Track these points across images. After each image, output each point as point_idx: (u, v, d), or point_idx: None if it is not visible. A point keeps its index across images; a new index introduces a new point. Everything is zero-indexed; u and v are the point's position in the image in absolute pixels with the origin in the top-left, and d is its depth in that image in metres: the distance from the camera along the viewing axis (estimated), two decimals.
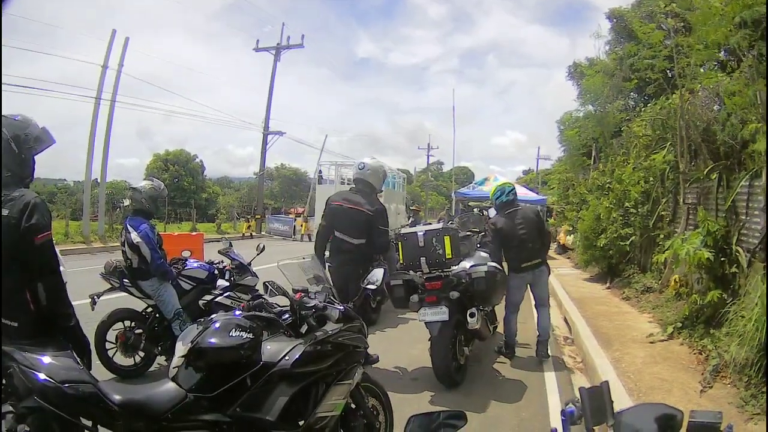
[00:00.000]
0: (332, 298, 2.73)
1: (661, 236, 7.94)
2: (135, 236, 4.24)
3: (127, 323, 4.43)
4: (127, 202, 4.83)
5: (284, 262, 2.83)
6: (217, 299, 4.68)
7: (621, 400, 3.93)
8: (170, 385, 2.04)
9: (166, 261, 4.43)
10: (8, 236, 2.11)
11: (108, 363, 4.20)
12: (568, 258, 15.52)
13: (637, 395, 4.08)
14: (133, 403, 1.91)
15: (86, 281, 4.24)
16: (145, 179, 4.74)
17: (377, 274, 3.34)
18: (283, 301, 2.59)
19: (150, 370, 4.44)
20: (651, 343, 5.31)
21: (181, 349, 2.13)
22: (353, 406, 2.66)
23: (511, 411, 3.99)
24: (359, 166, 4.89)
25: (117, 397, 1.86)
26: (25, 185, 2.33)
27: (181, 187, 38.09)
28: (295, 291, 2.61)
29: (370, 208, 4.64)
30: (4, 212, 2.12)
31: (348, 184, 12.24)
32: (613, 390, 4.09)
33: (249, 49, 26.80)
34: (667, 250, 6.50)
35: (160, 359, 4.51)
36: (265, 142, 26.89)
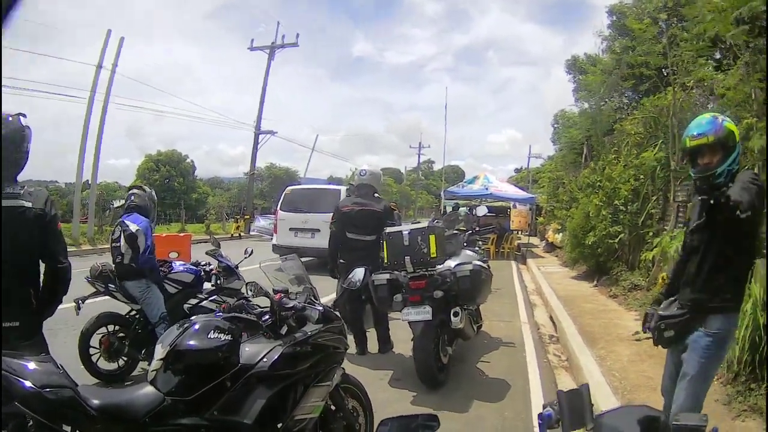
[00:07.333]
0: (313, 298, 2.68)
1: (650, 234, 7.89)
2: (134, 227, 4.15)
3: (111, 328, 4.35)
4: (117, 204, 4.84)
5: (266, 263, 2.82)
6: (201, 303, 4.59)
7: (606, 398, 3.89)
8: (148, 389, 2.01)
9: (154, 256, 4.36)
10: (34, 226, 2.33)
11: (91, 368, 4.16)
12: (556, 256, 15.51)
13: (623, 393, 4.02)
14: (111, 407, 1.89)
15: (73, 284, 4.22)
16: (143, 184, 4.72)
17: (358, 273, 3.27)
18: (264, 302, 2.57)
19: (134, 374, 4.37)
20: (637, 341, 5.21)
21: (159, 351, 2.11)
22: (333, 407, 2.62)
23: (494, 411, 3.90)
24: (361, 173, 5.36)
25: (95, 402, 1.84)
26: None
27: (172, 188, 38.18)
28: (276, 292, 2.57)
29: (379, 207, 5.12)
30: (27, 204, 2.30)
31: None
32: (599, 388, 4.05)
33: (243, 48, 26.52)
34: (655, 247, 6.43)
35: (144, 364, 4.38)
36: (256, 142, 26.59)
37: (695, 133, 2.46)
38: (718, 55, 8.59)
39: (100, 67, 17.14)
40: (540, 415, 1.18)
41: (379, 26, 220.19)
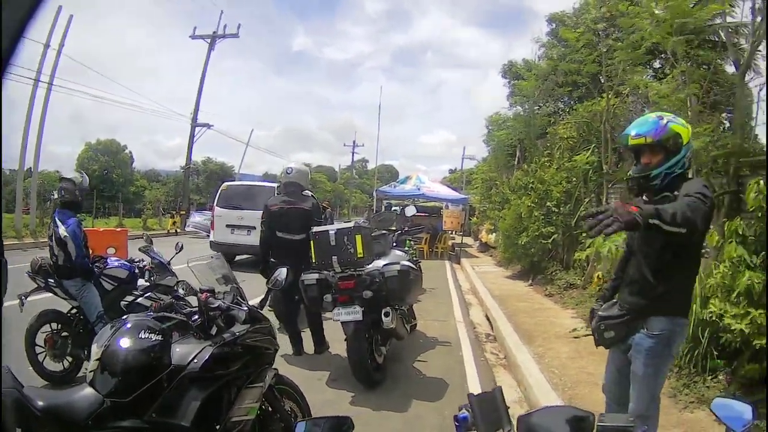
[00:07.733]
0: (239, 298, 2.66)
1: (584, 234, 8.10)
2: (63, 230, 4.06)
3: (55, 326, 4.23)
4: (56, 195, 4.48)
5: (194, 262, 2.79)
6: (138, 300, 4.51)
7: (546, 395, 3.90)
8: (88, 391, 1.98)
9: (89, 259, 4.29)
10: None
11: (40, 369, 4.04)
12: (491, 256, 15.83)
13: (563, 390, 4.02)
14: (55, 409, 1.86)
15: (16, 280, 3.92)
16: (75, 171, 4.57)
17: (282, 273, 3.23)
18: (195, 302, 2.51)
19: (80, 374, 4.12)
20: (575, 338, 5.30)
21: (95, 351, 2.08)
22: (270, 409, 2.59)
23: (433, 409, 3.85)
24: (287, 171, 5.25)
25: (40, 404, 1.81)
26: None
27: (110, 179, 37.25)
28: (202, 291, 2.51)
29: (307, 205, 5.06)
30: None
31: None
32: (538, 385, 4.01)
33: (187, 36, 25.32)
34: (588, 247, 6.58)
35: (88, 364, 3.98)
36: (192, 134, 25.61)
37: (634, 133, 2.37)
38: (657, 64, 9.03)
39: (47, 46, 15.65)
40: (455, 417, 1.16)
41: (321, 21, 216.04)
